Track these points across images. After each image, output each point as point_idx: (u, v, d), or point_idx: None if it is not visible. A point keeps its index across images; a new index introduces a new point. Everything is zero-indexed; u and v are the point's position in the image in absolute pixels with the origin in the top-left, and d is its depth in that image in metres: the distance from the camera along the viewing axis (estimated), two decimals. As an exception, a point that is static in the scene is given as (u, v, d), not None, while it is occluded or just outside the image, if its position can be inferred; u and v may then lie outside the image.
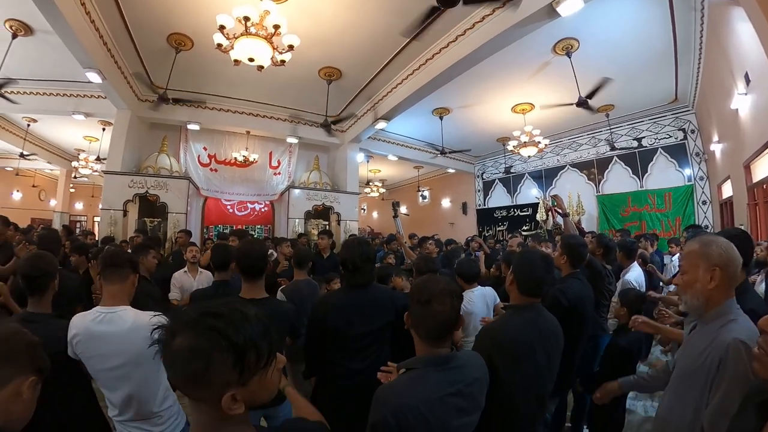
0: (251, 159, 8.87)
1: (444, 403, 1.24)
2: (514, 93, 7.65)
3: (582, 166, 10.24)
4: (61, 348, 1.81)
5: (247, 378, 0.78)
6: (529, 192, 11.67)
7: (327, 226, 9.24)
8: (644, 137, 8.98)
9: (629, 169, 9.25)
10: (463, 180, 13.79)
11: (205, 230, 9.31)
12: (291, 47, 4.38)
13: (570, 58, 6.00)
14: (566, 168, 10.62)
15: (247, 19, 4.05)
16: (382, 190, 14.75)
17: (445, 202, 14.96)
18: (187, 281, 4.06)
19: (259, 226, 10.15)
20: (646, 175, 8.96)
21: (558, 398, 2.68)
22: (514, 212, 11.90)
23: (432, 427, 1.20)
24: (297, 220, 8.93)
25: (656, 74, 6.86)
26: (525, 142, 7.80)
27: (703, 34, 5.46)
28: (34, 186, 15.99)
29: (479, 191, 13.42)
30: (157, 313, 1.77)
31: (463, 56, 5.48)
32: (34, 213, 13.69)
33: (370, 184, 13.95)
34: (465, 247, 7.12)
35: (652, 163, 8.87)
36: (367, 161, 12.71)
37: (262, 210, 10.28)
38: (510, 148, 8.25)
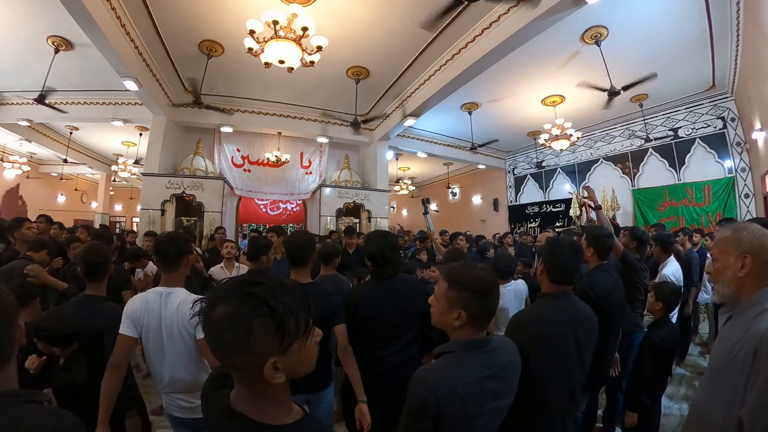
0: (283, 159, 9.11)
1: (481, 386, 1.26)
2: (544, 85, 7.51)
3: (616, 160, 9.88)
4: (102, 327, 2.06)
5: (287, 345, 0.80)
6: (562, 187, 11.37)
7: (358, 224, 9.40)
8: (681, 127, 8.59)
9: (665, 161, 8.87)
10: (494, 176, 13.58)
11: (239, 228, 9.63)
12: (319, 48, 4.49)
13: (599, 46, 5.83)
14: (600, 162, 10.28)
15: (276, 22, 4.18)
16: (412, 188, 14.69)
17: (476, 199, 14.71)
18: (224, 275, 4.16)
19: (291, 225, 10.36)
20: (683, 167, 8.56)
21: (589, 396, 2.62)
22: (547, 208, 11.60)
23: (469, 409, 1.21)
24: (329, 218, 9.07)
25: (691, 60, 6.54)
26: (556, 135, 7.62)
27: (740, 15, 5.15)
28: (76, 189, 16.98)
29: (510, 187, 13.16)
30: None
31: (490, 49, 5.40)
32: (76, 215, 14.42)
33: (400, 182, 13.94)
34: (498, 243, 7.08)
35: (689, 154, 8.46)
36: (396, 159, 12.72)
37: (294, 209, 10.53)
38: (541, 141, 8.08)
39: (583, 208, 8.41)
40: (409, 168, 14.79)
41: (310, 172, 9.99)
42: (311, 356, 0.88)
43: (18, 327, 0.96)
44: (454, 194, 15.77)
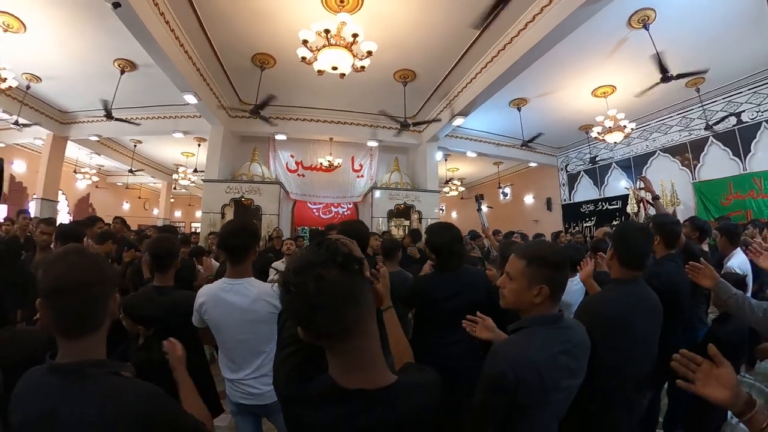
0: (335, 164, 9.44)
1: (556, 360, 1.29)
2: (593, 76, 7.28)
3: (674, 151, 9.23)
4: (180, 314, 2.13)
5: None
6: (618, 183, 10.76)
7: (409, 225, 9.57)
8: (744, 111, 7.82)
9: (729, 150, 8.13)
10: (546, 174, 13.04)
11: (294, 231, 10.08)
12: (369, 53, 4.65)
13: (648, 30, 5.57)
14: (656, 154, 9.65)
15: (327, 31, 4.38)
16: (462, 189, 14.51)
17: (528, 199, 14.17)
18: None
19: (341, 227, 10.65)
20: (749, 155, 7.82)
21: (651, 393, 2.51)
22: (602, 206, 10.99)
23: (545, 382, 1.24)
24: (380, 219, 9.25)
25: (750, 35, 5.97)
26: (609, 128, 7.34)
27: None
28: (139, 197, 18.43)
29: (564, 185, 12.60)
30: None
31: (535, 43, 5.33)
32: (140, 220, 15.48)
33: (449, 183, 13.80)
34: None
35: (755, 140, 7.71)
36: (445, 160, 12.65)
37: (345, 213, 10.85)
38: (594, 135, 7.79)
39: (641, 204, 8.00)
40: (458, 169, 14.58)
41: (362, 176, 10.32)
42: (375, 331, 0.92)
43: (113, 299, 1.04)
44: (505, 194, 15.29)
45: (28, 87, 7.67)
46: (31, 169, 11.74)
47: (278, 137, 9.38)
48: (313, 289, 0.78)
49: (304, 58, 4.69)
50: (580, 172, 11.97)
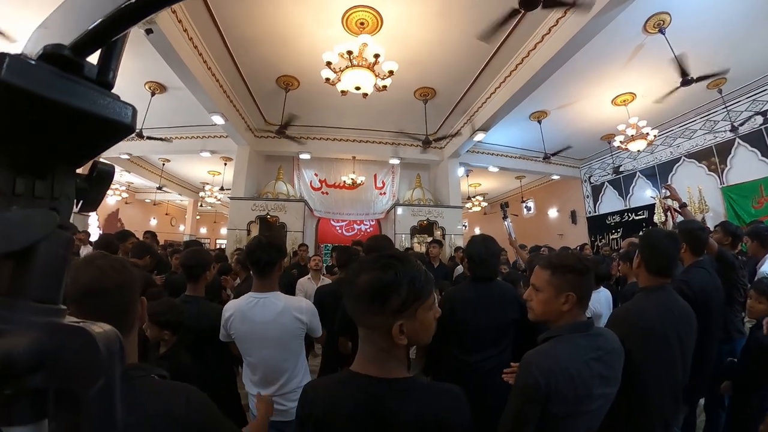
0: (358, 181, 9.56)
1: (589, 367, 1.28)
2: (612, 84, 7.22)
3: (700, 156, 8.92)
4: (209, 324, 2.21)
5: (413, 310, 0.97)
6: (643, 193, 10.49)
7: (431, 241, 9.54)
8: None
9: (757, 150, 7.80)
10: (570, 186, 12.84)
11: (318, 248, 10.22)
12: (391, 73, 4.79)
13: (664, 34, 5.53)
14: (681, 160, 9.37)
15: (350, 53, 4.55)
16: (484, 204, 14.41)
17: (552, 212, 13.96)
18: (311, 287, 4.54)
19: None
20: None
21: (687, 407, 2.41)
22: (628, 216, 10.68)
23: (579, 390, 1.23)
24: (403, 236, 9.30)
25: None
26: (632, 136, 7.25)
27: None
28: (166, 214, 19.11)
29: (588, 197, 12.34)
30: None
31: (552, 55, 5.37)
32: (166, 236, 15.90)
33: (471, 199, 13.73)
34: None
35: None
36: (467, 175, 12.62)
37: (368, 230, 10.95)
38: (616, 144, 7.68)
39: (668, 213, 7.73)
40: (480, 184, 14.51)
41: (384, 193, 10.45)
42: (430, 327, 1.03)
43: (141, 302, 1.05)
44: (528, 208, 15.04)
45: None
46: None
47: (302, 156, 9.62)
48: (354, 281, 0.98)
49: (328, 79, 4.85)
50: (604, 183, 11.72)
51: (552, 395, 1.21)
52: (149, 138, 7.70)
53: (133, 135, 7.38)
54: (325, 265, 5.89)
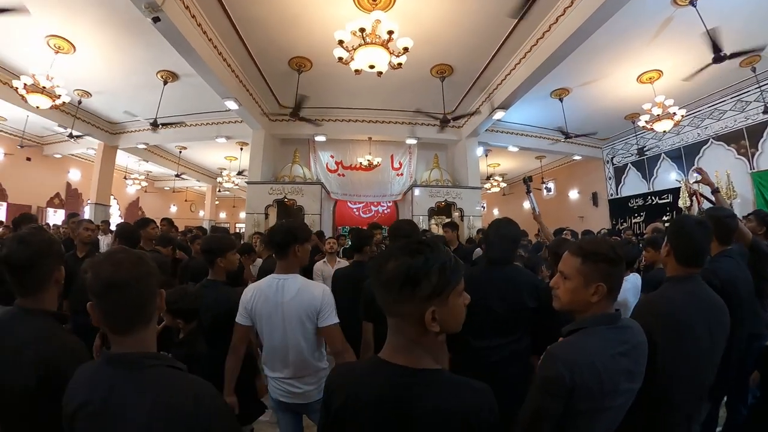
0: (375, 162, 9.50)
1: (616, 362, 1.21)
2: (638, 61, 6.87)
3: (729, 139, 8.50)
4: (226, 308, 2.23)
5: (445, 295, 0.95)
6: (667, 176, 10.07)
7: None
8: None
9: None
10: (592, 167, 12.46)
11: (335, 230, 10.19)
12: (405, 49, 4.65)
13: (695, 6, 5.16)
14: (709, 143, 8.94)
15: (362, 30, 4.41)
16: (503, 185, 14.20)
17: (573, 194, 13.63)
18: (327, 270, 4.59)
19: (384, 227, 10.69)
20: None
21: (710, 404, 2.27)
22: (652, 200, 10.31)
23: (605, 385, 1.17)
24: (421, 218, 9.21)
25: None
26: (658, 116, 6.96)
27: None
28: (186, 200, 19.59)
29: (610, 179, 11.96)
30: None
31: (575, 29, 5.09)
32: (186, 222, 16.15)
33: (490, 179, 13.53)
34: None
35: None
36: (486, 155, 12.39)
37: (385, 212, 10.93)
38: (641, 124, 7.39)
39: (694, 198, 7.40)
40: (499, 164, 14.21)
41: (401, 174, 10.36)
42: (461, 314, 1.03)
43: (160, 294, 1.09)
44: (548, 190, 14.69)
45: (79, 102, 8.39)
46: (85, 177, 12.92)
47: (318, 138, 9.57)
48: (382, 268, 0.96)
49: (340, 59, 4.73)
50: (627, 164, 11.35)
51: (576, 390, 1.15)
52: (164, 125, 7.85)
53: (148, 126, 7.66)
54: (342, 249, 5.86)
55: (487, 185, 13.40)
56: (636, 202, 10.78)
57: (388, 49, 4.60)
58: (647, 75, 7.33)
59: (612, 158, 11.87)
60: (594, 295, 1.29)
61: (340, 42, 4.54)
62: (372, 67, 4.66)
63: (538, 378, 1.23)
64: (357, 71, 4.80)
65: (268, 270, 2.45)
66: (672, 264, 1.73)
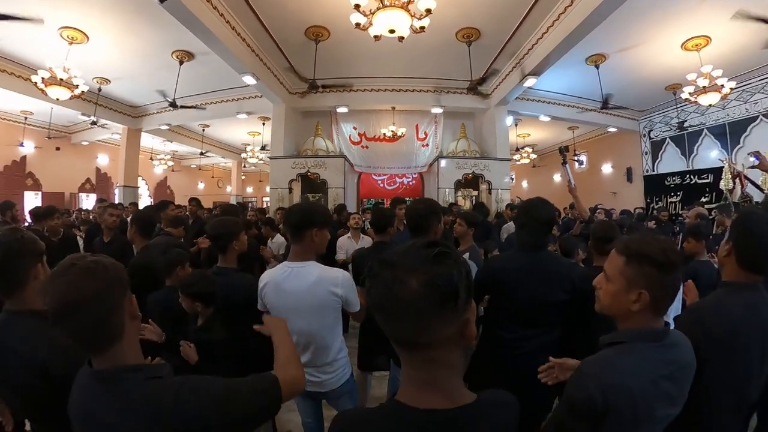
0: (399, 133, 9.21)
1: (656, 386, 1.07)
2: (683, 25, 6.26)
3: None
4: (242, 296, 2.22)
5: (471, 297, 0.78)
6: (709, 153, 9.40)
7: (477, 196, 9.31)
8: None
9: None
10: (627, 140, 11.81)
11: (360, 203, 10.21)
12: (428, 11, 4.32)
13: None
14: (758, 120, 8.19)
15: (380, -9, 4.12)
16: (533, 156, 13.73)
17: (606, 168, 13.04)
18: (351, 245, 4.61)
19: (408, 199, 10.51)
20: None
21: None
22: (690, 179, 9.64)
23: (639, 412, 1.04)
24: (447, 190, 9.00)
25: None
26: (704, 88, 6.43)
27: None
28: (213, 177, 20.25)
29: (646, 154, 11.29)
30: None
31: None
32: (214, 197, 16.74)
33: (520, 150, 13.11)
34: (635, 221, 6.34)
35: None
36: (515, 125, 11.88)
37: (411, 183, 10.80)
38: (684, 95, 6.84)
39: (737, 180, 6.88)
40: (529, 134, 13.65)
41: (426, 145, 10.08)
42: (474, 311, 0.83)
43: (129, 301, 1.01)
44: (580, 162, 13.95)
45: (99, 89, 8.65)
46: (113, 161, 13.72)
47: (340, 110, 9.38)
48: (402, 293, 0.71)
49: (358, 24, 4.46)
50: (665, 139, 10.64)
51: (608, 414, 1.01)
52: (183, 107, 7.96)
53: (168, 106, 7.66)
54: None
55: (517, 156, 12.97)
56: (673, 180, 10.14)
57: (408, 11, 4.30)
58: (693, 41, 6.69)
59: (649, 132, 11.15)
60: (635, 303, 1.12)
61: (357, 6, 4.26)
62: (392, 31, 4.39)
63: (566, 396, 1.10)
64: (376, 37, 4.53)
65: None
66: (732, 266, 1.46)
